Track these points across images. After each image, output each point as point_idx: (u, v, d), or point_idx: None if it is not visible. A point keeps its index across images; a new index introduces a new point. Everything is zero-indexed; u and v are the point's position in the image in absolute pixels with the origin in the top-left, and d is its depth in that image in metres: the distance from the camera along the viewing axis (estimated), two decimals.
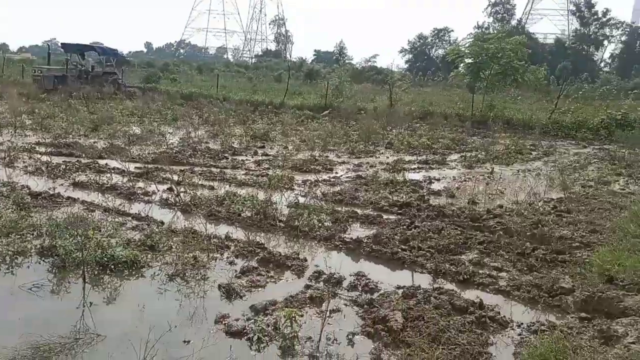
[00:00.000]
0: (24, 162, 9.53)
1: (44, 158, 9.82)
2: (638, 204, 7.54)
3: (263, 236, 6.26)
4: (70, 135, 12.75)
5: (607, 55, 74.82)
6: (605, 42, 74.02)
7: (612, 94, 27.92)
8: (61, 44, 26.70)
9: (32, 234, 5.62)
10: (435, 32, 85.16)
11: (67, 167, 9.14)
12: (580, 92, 28.12)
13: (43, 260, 5.07)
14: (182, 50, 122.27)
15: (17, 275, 4.79)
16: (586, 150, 15.49)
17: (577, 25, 77.62)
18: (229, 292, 4.61)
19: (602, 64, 73.51)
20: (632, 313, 4.25)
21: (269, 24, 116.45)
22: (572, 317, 4.34)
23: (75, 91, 21.91)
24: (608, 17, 73.16)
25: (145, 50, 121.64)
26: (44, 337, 3.65)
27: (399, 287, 4.81)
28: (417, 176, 10.06)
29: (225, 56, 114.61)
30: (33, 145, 11.09)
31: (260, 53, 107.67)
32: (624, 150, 13.91)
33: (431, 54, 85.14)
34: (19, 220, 5.86)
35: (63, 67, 25.61)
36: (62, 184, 8.10)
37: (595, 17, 74.42)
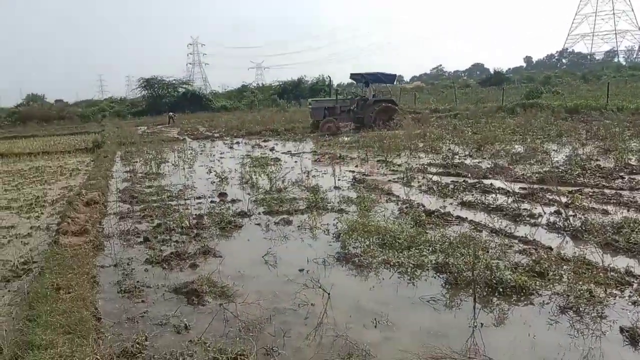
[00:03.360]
0: (418, 181, 10.71)
1: (435, 178, 10.80)
2: None
3: None
4: (457, 156, 13.66)
5: None
6: None
7: None
8: (350, 74, 25.95)
9: (428, 249, 6.20)
10: None
11: (455, 187, 9.78)
12: None
13: (438, 276, 5.53)
14: (564, 60, 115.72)
15: (416, 286, 5.36)
16: None
17: None
18: (633, 338, 4.00)
19: None
20: None
21: None
22: None
23: (344, 122, 22.80)
24: None
25: (524, 65, 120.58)
26: (441, 350, 3.96)
27: None
28: None
29: (615, 60, 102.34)
30: (425, 166, 12.36)
31: None
32: None
33: None
34: (417, 235, 6.57)
35: (344, 98, 25.75)
36: (451, 203, 8.69)
37: None
